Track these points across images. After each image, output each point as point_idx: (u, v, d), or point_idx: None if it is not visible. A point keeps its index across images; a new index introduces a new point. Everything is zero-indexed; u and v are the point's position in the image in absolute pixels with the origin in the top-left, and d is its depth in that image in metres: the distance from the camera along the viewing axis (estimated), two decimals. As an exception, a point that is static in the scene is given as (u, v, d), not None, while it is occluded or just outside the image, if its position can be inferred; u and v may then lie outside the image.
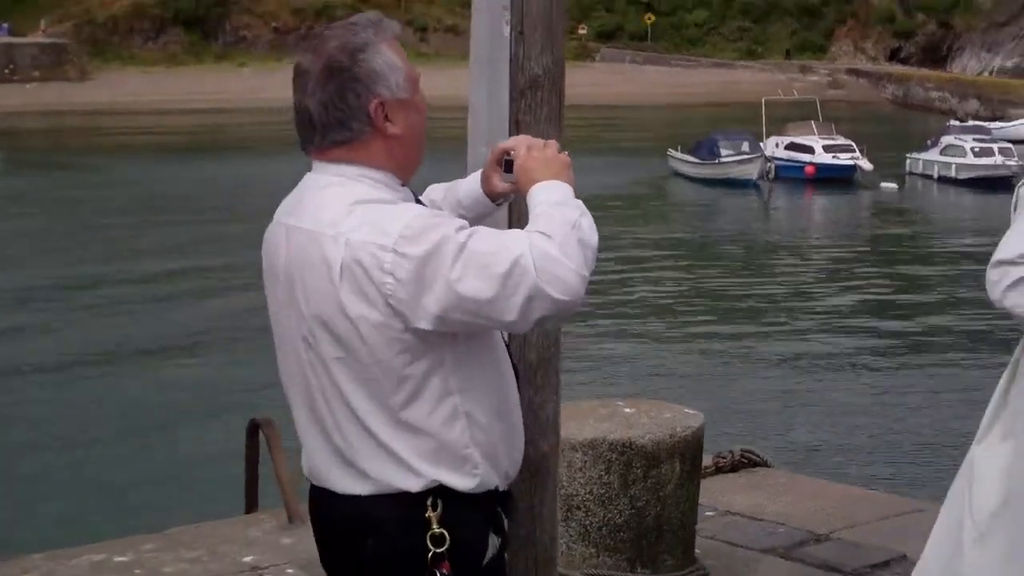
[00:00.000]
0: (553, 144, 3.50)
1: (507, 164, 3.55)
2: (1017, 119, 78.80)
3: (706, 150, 56.14)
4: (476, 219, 3.61)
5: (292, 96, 3.38)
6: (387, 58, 3.34)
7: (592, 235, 3.26)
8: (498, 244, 3.17)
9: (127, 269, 34.26)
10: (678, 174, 56.61)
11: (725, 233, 42.64)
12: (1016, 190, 5.00)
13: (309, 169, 3.45)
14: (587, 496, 6.14)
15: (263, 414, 7.84)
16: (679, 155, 57.55)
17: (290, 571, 6.71)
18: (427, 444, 3.28)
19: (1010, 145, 59.58)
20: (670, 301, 30.98)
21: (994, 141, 59.53)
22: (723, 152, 55.26)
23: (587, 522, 6.16)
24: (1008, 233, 4.77)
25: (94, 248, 37.38)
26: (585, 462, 6.10)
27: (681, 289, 32.51)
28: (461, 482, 3.32)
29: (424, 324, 3.18)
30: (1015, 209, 4.93)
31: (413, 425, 3.27)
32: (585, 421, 6.13)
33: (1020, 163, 56.22)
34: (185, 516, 8.76)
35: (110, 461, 19.23)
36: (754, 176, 53.63)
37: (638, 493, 6.16)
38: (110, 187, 50.47)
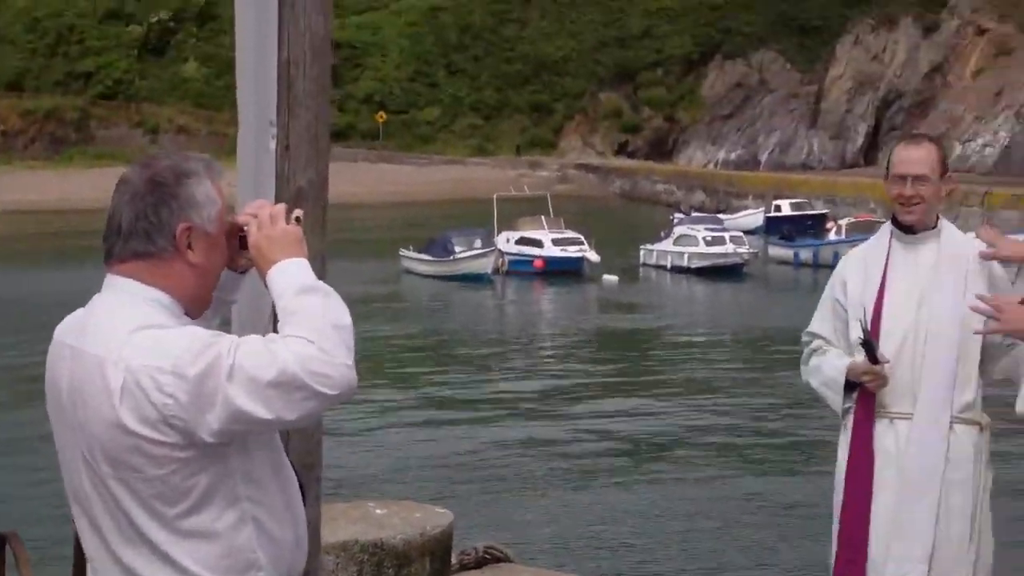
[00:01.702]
0: (281, 215, 3.55)
1: (241, 240, 3.57)
2: (741, 210, 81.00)
3: (440, 247, 56.20)
4: (231, 292, 3.76)
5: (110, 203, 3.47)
6: (209, 191, 3.47)
7: (343, 315, 3.38)
8: (268, 357, 3.24)
9: None
10: (411, 272, 56.36)
11: (459, 328, 42.41)
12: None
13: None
14: (339, 599, 6.09)
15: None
16: (411, 253, 57.46)
17: None
18: (215, 550, 3.37)
19: (741, 234, 61.44)
20: (411, 400, 30.51)
21: (725, 230, 61.35)
22: (457, 248, 55.35)
23: (337, 626, 6.12)
24: None
25: None
26: (337, 564, 6.17)
27: (419, 387, 32.08)
28: None
29: (208, 438, 3.26)
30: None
31: (199, 533, 3.36)
32: (337, 524, 6.30)
33: (751, 251, 57.91)
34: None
35: None
36: (488, 270, 53.95)
37: (389, 593, 6.21)
38: None
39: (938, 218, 5.97)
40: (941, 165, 5.86)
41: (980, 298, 5.16)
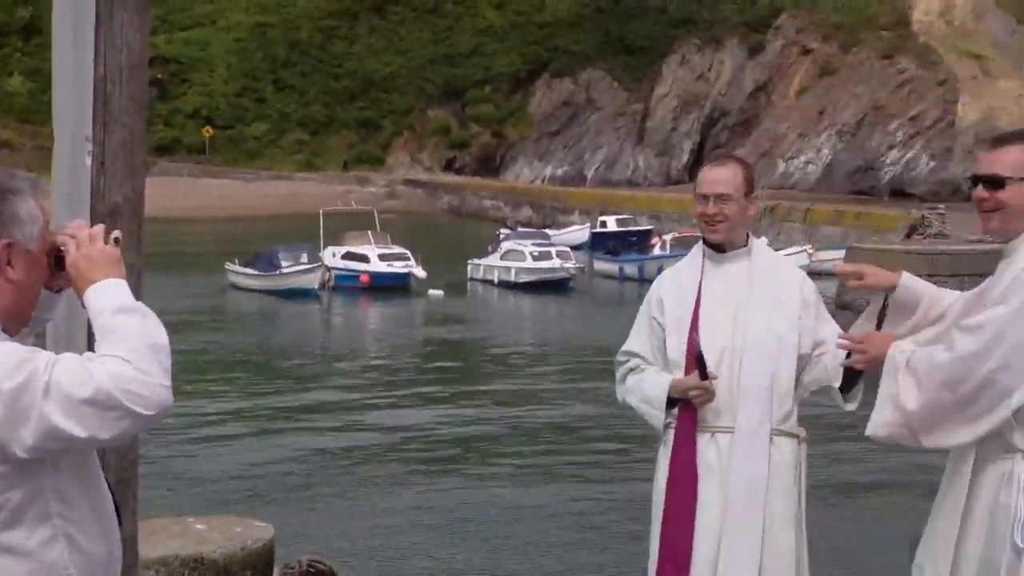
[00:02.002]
0: (99, 236, 3.55)
1: (58, 260, 3.57)
2: (568, 225, 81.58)
3: (266, 262, 55.78)
4: (46, 310, 3.73)
5: None
6: (32, 209, 3.48)
7: (160, 335, 3.41)
8: (84, 375, 3.25)
9: None
10: (237, 287, 55.97)
11: (285, 342, 42.20)
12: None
13: None
14: (160, 613, 6.06)
15: None
16: (237, 268, 56.95)
17: None
18: (26, 567, 3.35)
19: (568, 249, 61.92)
20: (234, 413, 30.28)
21: (552, 245, 61.74)
22: (283, 263, 55.02)
23: (159, 641, 6.08)
24: None
25: None
26: None
27: (242, 400, 31.82)
28: None
29: (22, 454, 3.25)
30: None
31: (11, 549, 3.33)
32: (157, 539, 6.29)
33: (578, 266, 58.35)
34: None
35: None
36: (315, 285, 53.67)
37: (209, 607, 6.22)
38: None
39: (748, 236, 6.07)
40: (747, 185, 5.96)
41: (845, 337, 5.27)
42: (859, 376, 5.56)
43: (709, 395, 5.78)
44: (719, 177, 5.96)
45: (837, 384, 5.64)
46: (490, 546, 19.96)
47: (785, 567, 5.77)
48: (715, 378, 5.78)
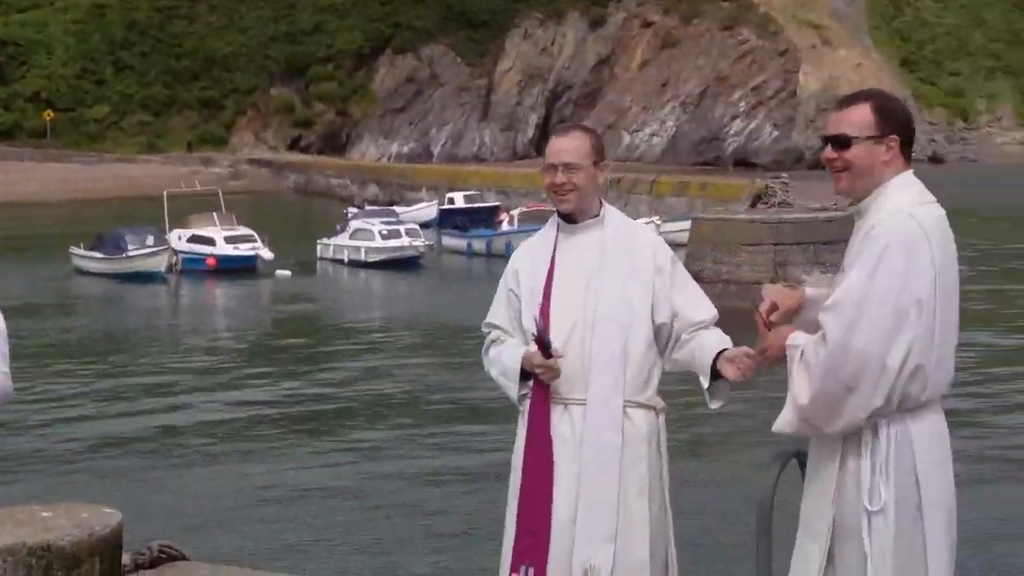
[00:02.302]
0: None
1: None
2: (415, 202, 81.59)
3: (111, 245, 55.07)
4: None
5: None
6: None
7: None
8: None
9: None
10: (82, 271, 55.19)
11: (131, 327, 41.76)
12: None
13: None
14: (4, 606, 6.02)
15: None
16: (81, 251, 56.15)
17: None
18: None
19: (416, 227, 61.90)
20: (77, 398, 29.92)
21: (401, 223, 61.58)
22: (130, 246, 54.37)
23: (2, 633, 6.02)
24: None
25: None
26: (4, 569, 5.76)
27: (87, 385, 31.45)
28: None
29: None
30: None
31: None
32: (2, 528, 5.87)
33: (427, 243, 58.42)
34: None
35: None
36: (162, 268, 53.06)
37: (61, 595, 6.30)
38: None
39: (602, 204, 6.01)
40: (595, 152, 5.91)
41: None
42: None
43: (554, 373, 5.74)
44: (566, 146, 5.90)
45: (706, 384, 5.69)
46: (343, 520, 19.96)
47: (640, 535, 5.74)
48: (560, 356, 5.72)
